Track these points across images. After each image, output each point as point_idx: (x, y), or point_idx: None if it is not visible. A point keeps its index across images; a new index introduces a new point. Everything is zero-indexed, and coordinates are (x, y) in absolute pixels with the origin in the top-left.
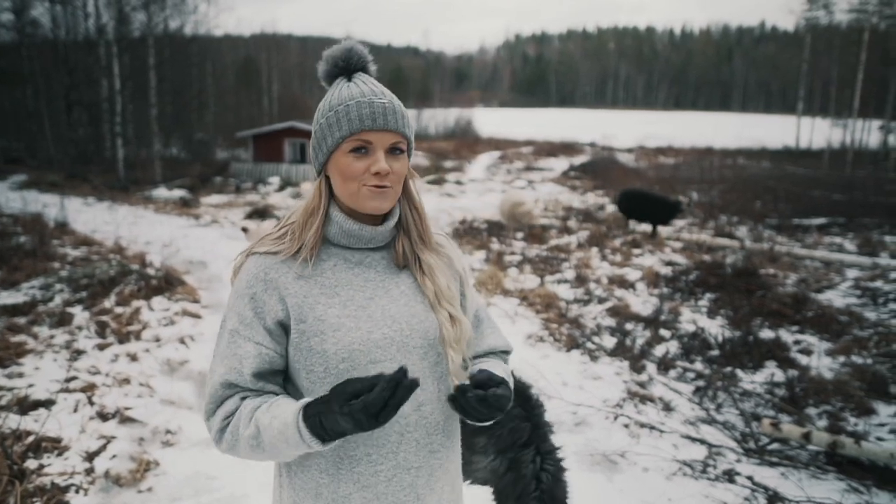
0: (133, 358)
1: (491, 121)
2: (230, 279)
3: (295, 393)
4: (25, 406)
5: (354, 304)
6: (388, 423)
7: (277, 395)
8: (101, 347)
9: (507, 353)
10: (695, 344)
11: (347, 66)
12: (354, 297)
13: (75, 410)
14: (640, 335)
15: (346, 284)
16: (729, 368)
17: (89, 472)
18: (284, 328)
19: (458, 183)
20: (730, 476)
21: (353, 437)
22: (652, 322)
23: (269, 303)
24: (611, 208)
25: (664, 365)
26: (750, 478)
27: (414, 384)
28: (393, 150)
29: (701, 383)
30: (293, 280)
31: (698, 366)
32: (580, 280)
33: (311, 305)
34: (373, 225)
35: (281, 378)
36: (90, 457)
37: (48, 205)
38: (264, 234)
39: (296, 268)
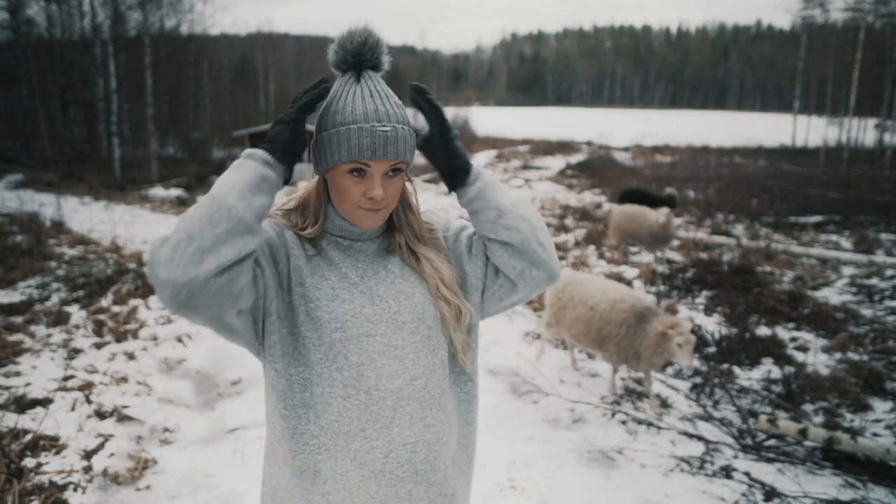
0: (130, 356)
1: (487, 120)
2: None
3: (291, 362)
4: (23, 405)
5: (347, 281)
6: (382, 397)
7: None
8: (99, 346)
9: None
10: None
11: (358, 61)
12: (347, 275)
13: (73, 409)
14: None
15: (339, 263)
16: (726, 365)
17: (87, 470)
18: (278, 271)
19: None
20: (727, 472)
21: (347, 412)
22: None
23: (279, 245)
24: (608, 206)
25: None
26: (747, 474)
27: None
28: (390, 172)
29: (698, 380)
30: (298, 246)
31: (695, 363)
32: None
33: (311, 272)
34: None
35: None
36: (88, 455)
37: (44, 204)
38: None
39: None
